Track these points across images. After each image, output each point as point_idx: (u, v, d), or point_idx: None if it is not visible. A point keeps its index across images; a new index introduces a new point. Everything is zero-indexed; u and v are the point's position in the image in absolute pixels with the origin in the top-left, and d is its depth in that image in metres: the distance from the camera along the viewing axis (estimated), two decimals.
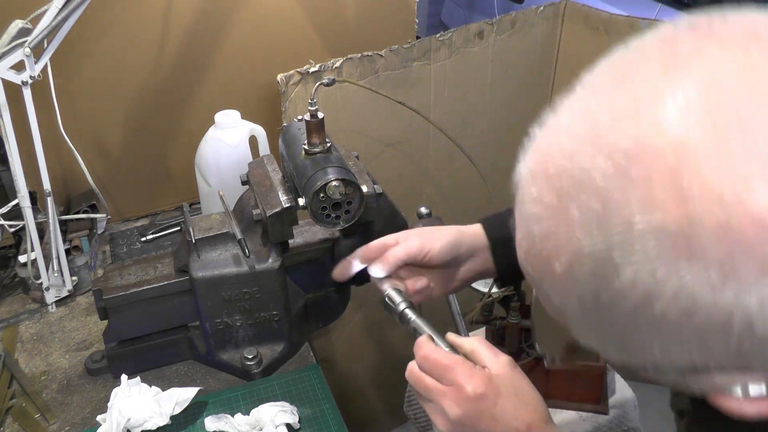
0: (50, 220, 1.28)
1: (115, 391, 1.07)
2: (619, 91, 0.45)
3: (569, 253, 0.45)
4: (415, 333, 0.86)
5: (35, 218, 1.27)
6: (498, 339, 1.56)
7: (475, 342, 0.77)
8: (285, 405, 1.11)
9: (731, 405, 0.47)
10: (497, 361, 0.75)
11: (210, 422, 1.08)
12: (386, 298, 0.92)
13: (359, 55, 1.50)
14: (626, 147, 0.42)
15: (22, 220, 1.27)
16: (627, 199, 0.41)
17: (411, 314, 0.89)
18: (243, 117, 1.48)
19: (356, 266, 0.97)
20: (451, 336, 0.80)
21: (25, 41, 1.14)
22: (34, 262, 1.32)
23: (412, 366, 0.78)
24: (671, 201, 0.40)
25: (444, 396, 0.73)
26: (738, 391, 0.47)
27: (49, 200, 1.27)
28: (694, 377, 0.48)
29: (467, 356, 0.77)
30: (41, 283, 1.34)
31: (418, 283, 0.96)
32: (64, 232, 1.47)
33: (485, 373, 0.73)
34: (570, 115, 0.49)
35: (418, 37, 1.69)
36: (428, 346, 0.77)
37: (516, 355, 1.54)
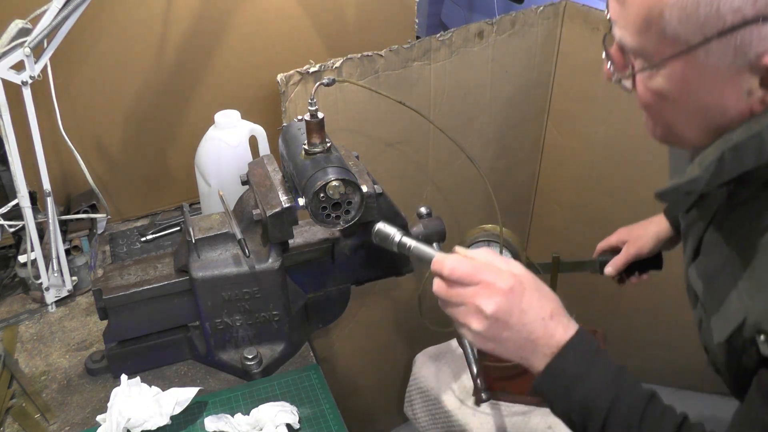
0: (50, 220, 1.29)
1: (115, 391, 1.07)
2: None
3: None
4: (418, 256, 0.89)
5: (35, 218, 1.27)
6: None
7: (487, 254, 0.82)
8: (285, 405, 1.11)
9: None
10: (513, 264, 0.81)
11: (210, 422, 1.08)
12: (378, 232, 0.94)
13: (359, 55, 1.50)
14: None
15: (22, 220, 1.27)
16: None
17: (409, 241, 0.92)
18: (243, 117, 1.48)
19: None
20: (460, 249, 0.84)
21: (25, 41, 1.14)
22: (34, 262, 1.32)
23: (438, 281, 0.82)
24: None
25: (477, 295, 0.78)
26: None
27: (49, 200, 1.27)
28: None
29: None
30: (41, 283, 1.34)
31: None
32: (64, 232, 1.47)
33: (509, 270, 0.79)
34: None
35: (418, 37, 1.69)
36: (450, 259, 0.81)
37: None
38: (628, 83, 0.76)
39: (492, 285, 0.78)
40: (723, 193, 0.78)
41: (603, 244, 1.39)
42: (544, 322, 0.78)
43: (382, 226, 0.95)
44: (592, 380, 0.77)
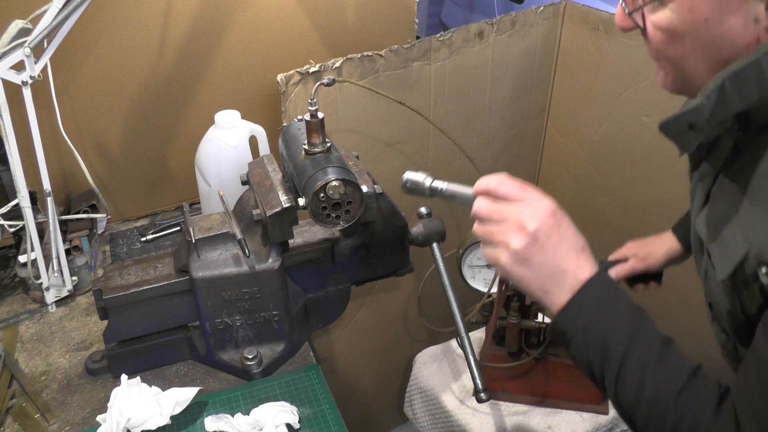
0: (50, 220, 1.29)
1: (115, 391, 1.07)
2: None
3: None
4: (452, 195, 0.92)
5: (35, 218, 1.27)
6: (498, 339, 1.56)
7: (525, 185, 0.83)
8: (285, 405, 1.11)
9: None
10: (547, 198, 0.82)
11: (210, 422, 1.08)
12: (408, 180, 0.96)
13: (359, 55, 1.50)
14: None
15: (22, 220, 1.27)
16: None
17: (441, 183, 0.95)
18: (243, 117, 1.48)
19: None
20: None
21: (25, 41, 1.14)
22: (34, 262, 1.32)
23: (480, 201, 0.84)
24: None
25: (522, 211, 0.79)
26: None
27: (49, 200, 1.27)
28: None
29: None
30: (41, 283, 1.34)
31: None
32: (64, 232, 1.47)
33: (549, 198, 0.81)
34: None
35: (418, 37, 1.69)
36: (495, 178, 0.83)
37: (516, 354, 1.54)
38: (638, 18, 0.76)
39: (537, 203, 0.79)
40: (730, 144, 0.79)
41: (612, 258, 1.41)
42: (576, 253, 0.79)
43: (410, 174, 0.96)
44: (613, 317, 0.77)
